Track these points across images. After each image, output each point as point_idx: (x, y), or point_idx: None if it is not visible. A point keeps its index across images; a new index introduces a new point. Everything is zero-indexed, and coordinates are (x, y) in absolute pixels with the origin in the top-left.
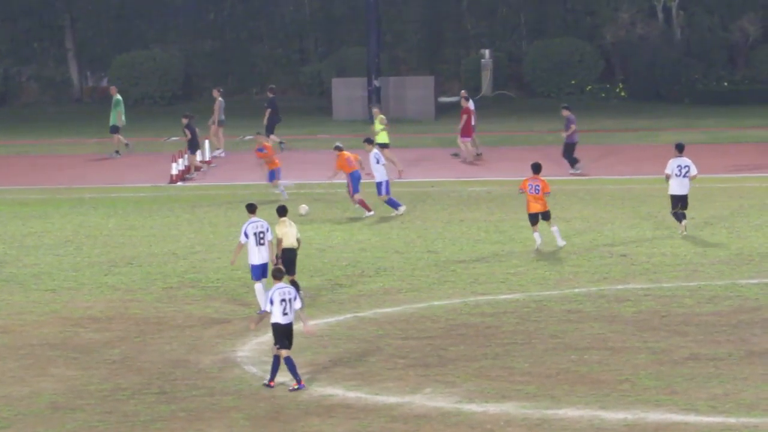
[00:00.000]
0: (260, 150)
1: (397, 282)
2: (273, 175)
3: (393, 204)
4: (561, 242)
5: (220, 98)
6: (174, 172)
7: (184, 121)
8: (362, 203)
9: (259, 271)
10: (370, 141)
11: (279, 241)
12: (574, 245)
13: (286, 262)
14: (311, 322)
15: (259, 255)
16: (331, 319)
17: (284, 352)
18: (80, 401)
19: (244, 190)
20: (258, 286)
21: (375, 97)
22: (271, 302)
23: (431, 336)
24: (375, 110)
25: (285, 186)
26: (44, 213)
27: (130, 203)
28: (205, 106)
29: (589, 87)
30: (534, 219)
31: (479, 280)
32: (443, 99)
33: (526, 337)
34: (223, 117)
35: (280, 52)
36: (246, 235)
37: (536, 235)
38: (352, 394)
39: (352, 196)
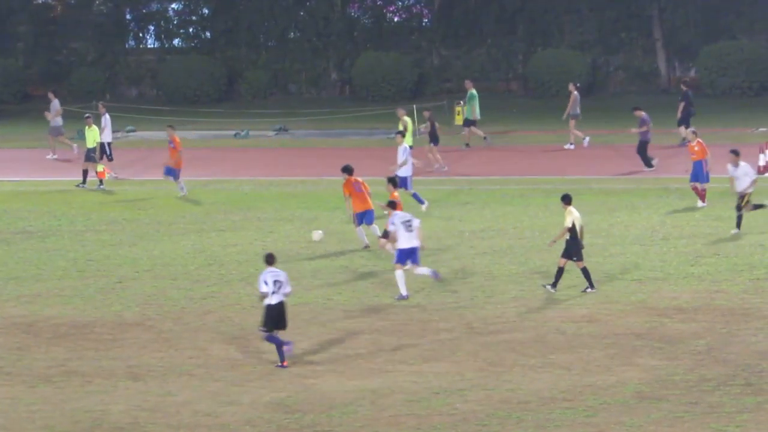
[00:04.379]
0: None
1: None
2: None
3: (418, 199)
4: None
5: (575, 92)
6: (762, 163)
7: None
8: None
9: None
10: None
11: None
12: None
13: None
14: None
15: None
16: None
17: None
18: (665, 391)
19: None
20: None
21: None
22: (266, 283)
23: None
24: (400, 111)
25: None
26: (630, 204)
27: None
28: None
29: None
30: None
31: None
32: None
33: None
34: (577, 111)
35: None
36: None
37: None
38: None
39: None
